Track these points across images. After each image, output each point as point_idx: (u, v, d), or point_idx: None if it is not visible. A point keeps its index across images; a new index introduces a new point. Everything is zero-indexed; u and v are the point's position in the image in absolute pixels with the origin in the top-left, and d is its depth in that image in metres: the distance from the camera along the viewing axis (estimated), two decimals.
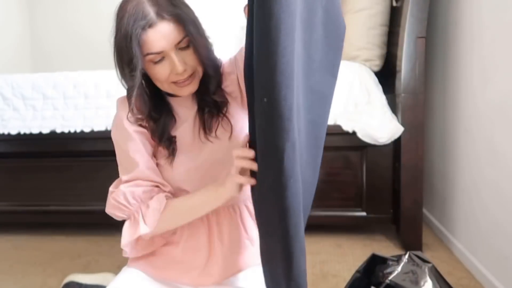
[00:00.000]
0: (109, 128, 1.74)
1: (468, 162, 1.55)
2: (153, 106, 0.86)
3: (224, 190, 0.79)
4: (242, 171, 0.77)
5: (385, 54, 1.87)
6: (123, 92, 0.87)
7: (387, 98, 1.69)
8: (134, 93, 0.79)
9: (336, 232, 1.86)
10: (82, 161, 1.90)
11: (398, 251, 1.63)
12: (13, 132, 1.85)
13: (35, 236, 2.02)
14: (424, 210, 2.03)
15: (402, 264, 0.77)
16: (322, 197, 1.52)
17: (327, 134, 0.83)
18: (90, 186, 1.88)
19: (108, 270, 1.45)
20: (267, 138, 0.64)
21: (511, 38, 1.23)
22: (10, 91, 1.88)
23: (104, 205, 0.88)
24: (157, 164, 0.89)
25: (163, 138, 0.86)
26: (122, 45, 0.76)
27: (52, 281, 1.54)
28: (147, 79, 0.84)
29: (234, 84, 0.89)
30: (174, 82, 0.81)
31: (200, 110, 0.88)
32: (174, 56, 0.77)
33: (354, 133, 1.66)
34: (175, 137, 0.88)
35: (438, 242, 1.79)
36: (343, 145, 1.69)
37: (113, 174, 0.88)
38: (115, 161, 0.89)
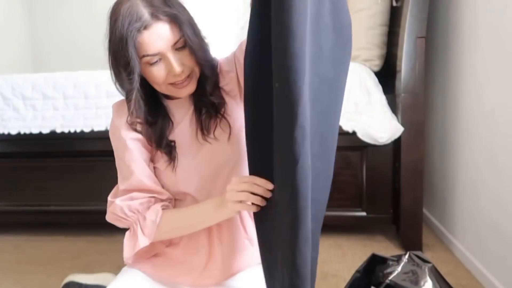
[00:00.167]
0: (109, 128, 1.74)
1: (468, 162, 1.55)
2: (148, 110, 0.85)
3: (223, 213, 0.79)
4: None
5: (385, 54, 1.87)
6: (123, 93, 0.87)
7: (387, 98, 1.69)
8: (133, 96, 0.79)
9: (336, 232, 1.86)
10: (82, 161, 1.90)
11: (398, 251, 1.63)
12: (13, 132, 1.85)
13: (35, 236, 2.02)
14: (424, 210, 2.03)
15: (402, 264, 0.77)
16: None
17: None
18: (90, 186, 1.89)
19: (108, 270, 1.45)
20: (278, 124, 0.66)
21: (510, 38, 1.23)
22: (10, 91, 1.88)
23: (104, 205, 0.88)
24: (155, 168, 0.89)
25: (162, 144, 0.86)
26: (117, 49, 0.75)
27: (52, 281, 1.54)
28: (143, 83, 0.83)
29: (233, 82, 0.89)
30: (172, 84, 0.80)
31: (197, 111, 0.87)
32: (171, 57, 0.77)
33: (354, 133, 1.66)
34: (174, 142, 0.87)
35: (438, 242, 1.79)
36: (343, 145, 1.69)
37: (113, 174, 0.88)
38: (115, 161, 0.89)
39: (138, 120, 0.85)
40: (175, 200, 0.92)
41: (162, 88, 0.82)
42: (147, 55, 0.76)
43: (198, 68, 0.82)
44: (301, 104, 0.61)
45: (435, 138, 1.96)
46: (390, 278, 0.75)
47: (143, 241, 0.82)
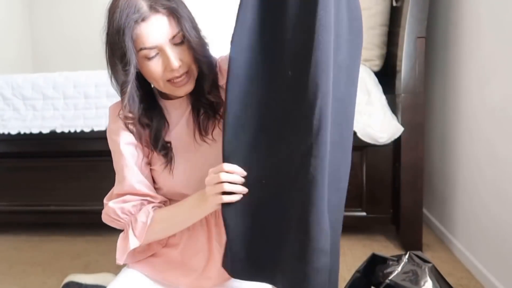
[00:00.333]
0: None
1: (468, 162, 1.55)
2: (144, 109, 0.84)
3: (206, 207, 0.78)
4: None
5: (385, 54, 1.87)
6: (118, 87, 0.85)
7: (387, 98, 1.69)
8: (128, 89, 0.78)
9: None
10: (82, 161, 1.90)
11: (398, 251, 1.63)
12: (13, 132, 1.84)
13: (35, 236, 2.02)
14: (424, 210, 2.03)
15: (402, 264, 0.77)
16: None
17: None
18: (90, 186, 1.88)
19: (108, 270, 1.45)
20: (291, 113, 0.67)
21: (511, 38, 1.23)
22: (10, 91, 1.88)
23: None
24: (153, 170, 0.88)
25: (158, 146, 0.85)
26: (114, 40, 0.75)
27: (52, 281, 1.54)
28: (140, 80, 0.83)
29: None
30: (170, 82, 0.79)
31: (195, 111, 0.86)
32: (169, 51, 0.76)
33: (354, 133, 1.65)
34: (170, 143, 0.86)
35: (438, 242, 1.79)
36: None
37: (112, 174, 0.88)
38: None
39: (131, 115, 0.82)
40: (173, 202, 0.91)
41: (160, 85, 0.81)
42: (145, 48, 0.75)
43: (196, 66, 0.81)
44: (322, 92, 0.64)
45: (435, 138, 1.96)
46: (390, 278, 0.75)
47: (134, 243, 0.82)
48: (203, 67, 0.81)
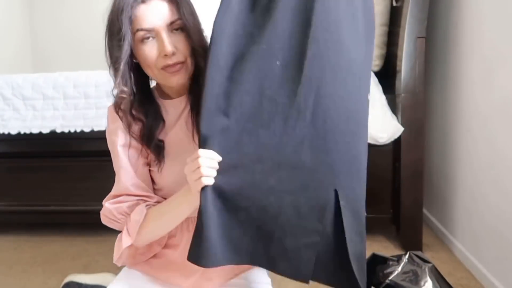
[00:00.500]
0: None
1: (468, 162, 1.55)
2: (139, 102, 0.84)
3: (192, 198, 0.75)
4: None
5: (385, 54, 1.87)
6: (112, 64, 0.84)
7: (387, 98, 1.69)
8: (121, 67, 0.77)
9: None
10: (82, 161, 1.90)
11: (398, 251, 1.63)
12: (13, 132, 1.84)
13: (35, 236, 2.02)
14: (424, 210, 2.03)
15: (402, 264, 0.77)
16: None
17: None
18: (90, 186, 1.88)
19: (108, 270, 1.45)
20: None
21: (511, 38, 1.23)
22: (10, 91, 1.88)
23: None
24: (152, 171, 0.88)
25: (151, 143, 0.84)
26: (113, 18, 0.76)
27: (52, 281, 1.54)
28: (138, 75, 0.83)
29: None
30: (164, 69, 0.78)
31: (193, 112, 0.85)
32: (164, 36, 0.76)
33: None
34: (163, 142, 0.86)
35: (438, 242, 1.79)
36: None
37: (113, 174, 0.88)
38: None
39: (124, 95, 0.81)
40: None
41: (154, 73, 0.80)
42: (141, 29, 0.76)
43: (193, 60, 0.80)
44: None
45: (435, 138, 1.96)
46: (390, 278, 0.75)
47: (126, 241, 0.81)
48: (200, 60, 0.80)
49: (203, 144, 0.72)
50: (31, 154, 1.93)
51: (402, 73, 1.61)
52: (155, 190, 0.89)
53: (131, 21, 0.75)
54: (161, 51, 0.76)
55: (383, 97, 1.68)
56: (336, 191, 0.71)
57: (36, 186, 1.95)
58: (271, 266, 0.75)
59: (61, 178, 1.92)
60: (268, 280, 0.98)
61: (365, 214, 0.77)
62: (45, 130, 1.83)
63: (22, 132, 1.84)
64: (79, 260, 1.72)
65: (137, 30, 0.76)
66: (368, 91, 0.78)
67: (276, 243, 0.72)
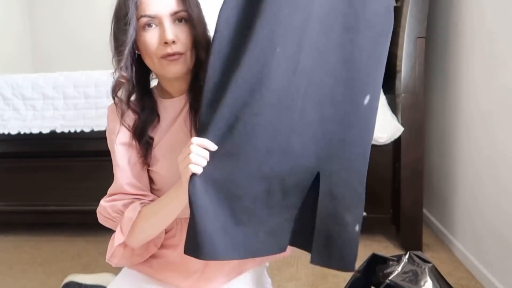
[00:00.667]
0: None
1: (468, 161, 1.55)
2: (137, 95, 0.85)
3: (183, 194, 0.74)
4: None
5: None
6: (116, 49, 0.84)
7: (387, 98, 1.69)
8: (126, 51, 0.78)
9: None
10: (82, 161, 1.90)
11: (398, 251, 1.63)
12: (13, 132, 1.85)
13: (35, 236, 2.03)
14: (424, 210, 2.03)
15: (402, 264, 0.77)
16: None
17: None
18: (90, 186, 1.88)
19: (108, 270, 1.45)
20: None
21: (511, 38, 1.23)
22: (10, 91, 1.88)
23: None
24: (150, 171, 0.88)
25: (142, 138, 0.85)
26: (120, 3, 0.78)
27: (52, 281, 1.54)
28: (139, 72, 0.83)
29: None
30: (163, 58, 0.79)
31: (192, 110, 0.85)
32: (167, 24, 0.77)
33: None
34: (153, 139, 0.86)
35: (438, 242, 1.79)
36: None
37: (112, 174, 0.88)
38: None
39: (123, 80, 0.82)
40: None
41: (154, 62, 0.80)
42: (145, 16, 0.77)
43: (193, 53, 0.80)
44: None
45: (435, 138, 1.96)
46: (390, 278, 0.75)
47: (119, 238, 0.81)
48: (202, 53, 0.80)
49: (199, 132, 0.72)
50: (31, 154, 1.93)
51: (402, 73, 1.61)
52: (154, 190, 0.89)
53: (137, 6, 0.76)
54: (162, 38, 0.77)
55: (383, 97, 1.69)
56: (318, 174, 0.75)
57: (36, 186, 1.95)
58: (261, 252, 0.77)
59: (61, 178, 1.92)
60: (268, 280, 0.98)
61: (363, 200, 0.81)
62: (45, 130, 1.83)
63: (22, 132, 1.84)
64: (79, 260, 1.72)
65: (141, 16, 0.77)
66: (366, 84, 0.77)
67: (264, 225, 0.75)
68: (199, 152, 0.69)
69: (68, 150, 1.88)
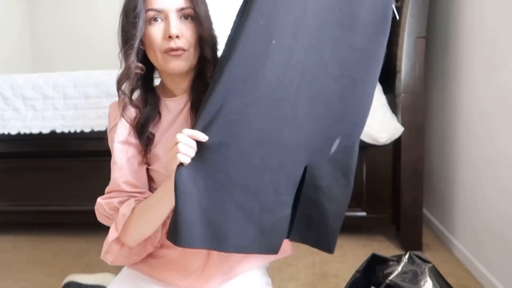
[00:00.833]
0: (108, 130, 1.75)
1: (468, 161, 1.55)
2: (141, 90, 0.86)
3: (172, 189, 0.73)
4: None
5: (385, 54, 1.87)
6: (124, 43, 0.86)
7: (387, 98, 1.69)
8: (136, 44, 0.79)
9: None
10: (82, 161, 1.90)
11: (398, 251, 1.63)
12: (13, 132, 1.85)
13: (35, 236, 2.03)
14: (424, 210, 2.03)
15: (402, 264, 0.77)
16: None
17: None
18: (90, 186, 1.88)
19: (108, 270, 1.45)
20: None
21: (510, 38, 1.23)
22: (10, 91, 1.88)
23: None
24: (150, 170, 0.88)
25: (143, 133, 0.85)
26: None
27: (52, 281, 1.54)
28: (143, 70, 0.84)
29: None
30: (166, 53, 0.79)
31: (193, 109, 0.86)
32: (172, 18, 0.78)
33: None
34: (153, 135, 0.87)
35: (438, 242, 1.79)
36: None
37: None
38: None
39: (130, 74, 0.82)
40: None
41: (157, 56, 0.81)
42: (152, 9, 0.78)
43: (197, 51, 0.81)
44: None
45: (435, 138, 1.96)
46: (390, 278, 0.75)
47: (112, 234, 0.81)
48: (207, 50, 0.81)
49: (195, 124, 0.73)
50: (31, 154, 1.93)
51: (402, 73, 1.61)
52: (154, 189, 0.89)
53: (145, 0, 0.77)
54: (166, 32, 0.78)
55: (383, 97, 1.69)
56: (305, 168, 0.76)
57: (36, 186, 1.95)
58: (248, 248, 0.76)
59: (61, 178, 1.92)
60: (268, 280, 0.98)
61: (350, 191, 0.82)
62: (45, 130, 1.83)
63: (22, 132, 1.84)
64: (79, 260, 1.72)
65: (148, 9, 0.78)
66: (358, 82, 0.78)
67: (254, 221, 0.74)
68: (188, 142, 0.69)
69: (68, 150, 1.88)
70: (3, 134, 1.86)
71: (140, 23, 0.78)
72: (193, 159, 0.70)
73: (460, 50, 1.63)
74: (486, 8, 1.41)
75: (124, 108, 0.86)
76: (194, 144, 0.70)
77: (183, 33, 0.79)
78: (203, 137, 0.69)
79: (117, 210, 0.83)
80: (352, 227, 1.91)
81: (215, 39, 0.84)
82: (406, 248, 1.67)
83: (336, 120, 0.77)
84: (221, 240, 0.73)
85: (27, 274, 1.61)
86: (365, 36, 0.75)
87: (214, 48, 0.84)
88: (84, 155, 1.88)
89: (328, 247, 0.80)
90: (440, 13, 1.86)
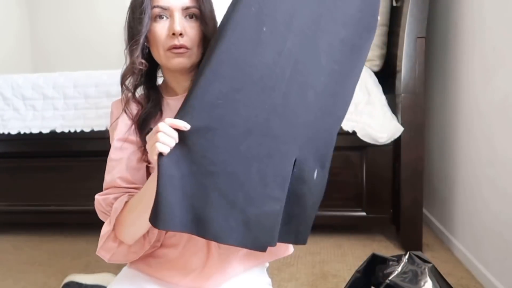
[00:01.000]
0: (109, 128, 1.75)
1: (468, 161, 1.55)
2: (144, 86, 0.87)
3: (156, 174, 0.73)
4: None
5: (385, 54, 1.87)
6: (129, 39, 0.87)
7: (387, 98, 1.69)
8: (141, 40, 0.80)
9: (336, 232, 1.86)
10: (82, 161, 1.90)
11: (398, 251, 1.63)
12: (13, 132, 1.85)
13: (35, 236, 2.03)
14: (424, 210, 2.03)
15: (402, 264, 0.77)
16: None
17: None
18: (90, 186, 1.87)
19: (108, 270, 1.45)
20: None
21: (510, 38, 1.23)
22: (10, 91, 1.88)
23: None
24: (151, 168, 0.88)
25: (145, 128, 0.85)
26: None
27: (52, 281, 1.54)
28: (147, 68, 0.84)
29: None
30: (169, 50, 0.80)
31: None
32: (177, 16, 0.79)
33: (354, 133, 1.66)
34: None
35: (438, 242, 1.79)
36: (343, 145, 1.69)
37: None
38: None
39: (135, 69, 0.83)
40: None
41: (160, 53, 0.82)
42: (157, 6, 0.79)
43: (200, 50, 0.82)
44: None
45: (434, 138, 1.96)
46: (390, 278, 0.75)
47: (106, 228, 0.82)
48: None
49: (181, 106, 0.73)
50: (31, 154, 1.93)
51: (402, 73, 1.61)
52: None
53: None
54: (170, 29, 0.79)
55: (383, 97, 1.69)
56: (295, 162, 0.75)
57: (36, 186, 1.95)
58: (228, 238, 0.73)
59: (61, 178, 1.92)
60: (268, 280, 0.98)
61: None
62: (45, 130, 1.83)
63: (22, 132, 1.84)
64: (79, 260, 1.72)
65: (154, 6, 0.79)
66: (346, 76, 0.79)
67: (238, 212, 0.72)
68: (168, 131, 0.68)
69: (68, 150, 1.88)
70: (3, 134, 1.86)
71: (146, 19, 0.79)
72: (178, 143, 0.69)
73: (460, 50, 1.63)
74: (486, 8, 1.41)
75: (126, 103, 0.87)
76: (175, 134, 0.69)
77: (187, 32, 0.80)
78: (185, 126, 0.69)
79: (112, 205, 0.84)
80: (352, 227, 1.91)
81: None
82: (406, 248, 1.67)
83: (325, 113, 0.77)
84: (201, 226, 0.71)
85: (26, 274, 1.61)
86: (355, 32, 0.76)
87: None
88: (84, 155, 1.88)
89: (303, 241, 0.80)
90: (440, 13, 1.86)
